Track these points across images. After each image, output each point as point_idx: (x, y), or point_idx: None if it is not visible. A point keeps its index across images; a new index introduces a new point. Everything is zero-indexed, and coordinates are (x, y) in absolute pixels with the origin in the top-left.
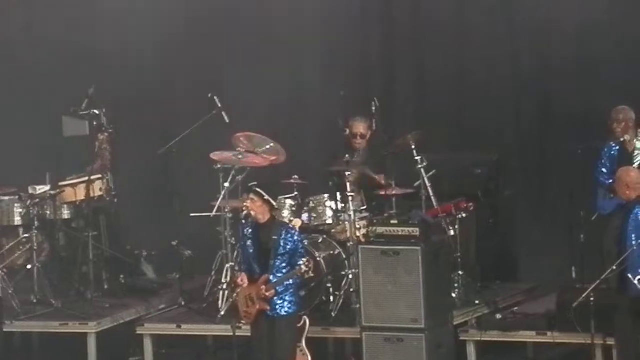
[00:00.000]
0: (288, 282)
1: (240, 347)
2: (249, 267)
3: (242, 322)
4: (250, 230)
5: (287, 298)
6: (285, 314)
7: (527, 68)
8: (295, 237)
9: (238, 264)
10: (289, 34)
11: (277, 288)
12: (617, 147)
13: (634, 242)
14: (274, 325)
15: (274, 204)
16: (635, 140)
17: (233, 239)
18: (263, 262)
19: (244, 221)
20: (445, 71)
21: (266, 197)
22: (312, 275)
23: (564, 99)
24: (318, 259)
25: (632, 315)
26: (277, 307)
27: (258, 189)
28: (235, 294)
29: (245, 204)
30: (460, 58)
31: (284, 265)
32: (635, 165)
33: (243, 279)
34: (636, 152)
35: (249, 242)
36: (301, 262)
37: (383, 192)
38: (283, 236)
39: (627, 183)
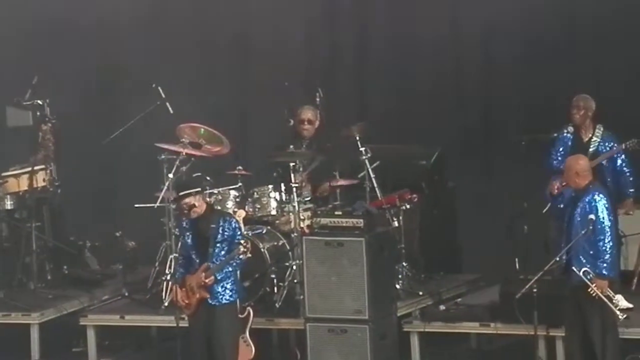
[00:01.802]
0: (228, 270)
1: (184, 338)
2: (188, 259)
3: (183, 315)
4: (188, 223)
5: (227, 286)
6: (226, 302)
7: (470, 61)
8: (234, 225)
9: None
10: (235, 27)
11: (217, 275)
12: (572, 136)
13: (581, 232)
14: (215, 314)
15: (200, 189)
16: (594, 132)
17: (177, 230)
18: (202, 252)
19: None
20: (390, 64)
21: (192, 191)
22: (249, 256)
23: (507, 90)
24: (262, 249)
25: (575, 304)
26: (218, 295)
27: (184, 191)
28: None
29: (187, 211)
30: (404, 51)
31: (222, 253)
32: (592, 151)
33: (178, 292)
34: (593, 140)
35: (187, 234)
36: (240, 244)
37: (327, 183)
38: (221, 224)
39: (577, 171)
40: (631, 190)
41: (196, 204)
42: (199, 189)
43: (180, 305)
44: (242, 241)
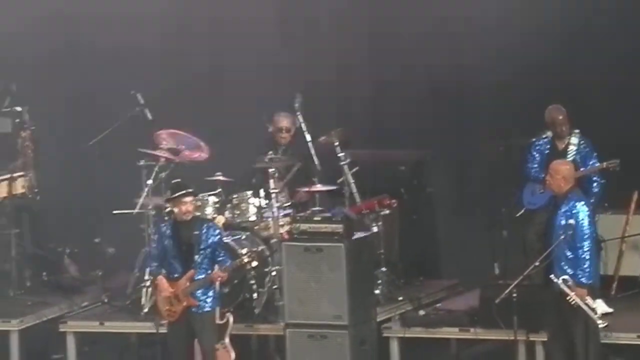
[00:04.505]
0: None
1: (164, 344)
2: (169, 266)
3: (163, 321)
4: (169, 229)
5: (210, 294)
6: (209, 309)
7: (446, 68)
8: (217, 231)
9: (151, 264)
10: (212, 30)
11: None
12: (549, 144)
13: (561, 237)
14: (196, 321)
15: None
16: (570, 137)
17: (155, 235)
18: (184, 259)
19: (166, 219)
20: (366, 70)
21: (192, 191)
22: (255, 264)
23: (485, 95)
24: (239, 251)
25: (558, 310)
26: (201, 302)
27: (191, 190)
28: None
29: (185, 208)
30: (380, 57)
31: (205, 260)
32: (570, 159)
33: (162, 283)
34: (570, 147)
35: (167, 241)
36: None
37: (306, 189)
38: (205, 231)
39: (564, 175)
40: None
41: (190, 207)
42: (195, 192)
43: (162, 312)
44: (245, 250)
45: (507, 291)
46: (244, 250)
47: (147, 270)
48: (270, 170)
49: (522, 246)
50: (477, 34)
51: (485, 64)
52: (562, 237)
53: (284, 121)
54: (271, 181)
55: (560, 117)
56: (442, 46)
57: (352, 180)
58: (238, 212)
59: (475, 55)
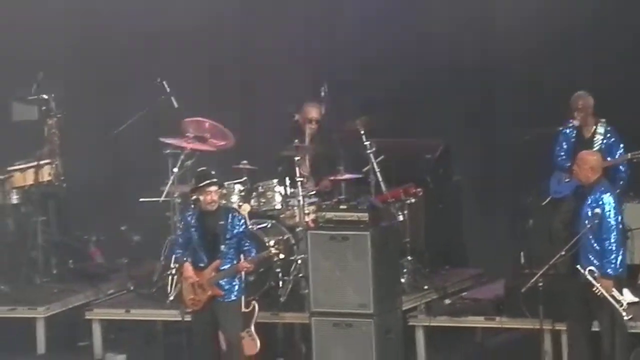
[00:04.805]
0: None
1: (189, 332)
2: (194, 255)
3: (189, 309)
4: (194, 219)
5: (235, 283)
6: (234, 298)
7: (472, 54)
8: (242, 221)
9: (177, 252)
10: (239, 22)
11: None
12: (575, 132)
13: (587, 227)
14: (221, 310)
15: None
16: (597, 126)
17: (181, 223)
18: (210, 249)
19: (192, 207)
20: (394, 57)
21: (217, 180)
22: (282, 257)
23: (512, 84)
24: (267, 243)
25: (582, 301)
26: (227, 292)
27: (216, 179)
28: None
29: (210, 197)
30: (409, 44)
31: (231, 250)
32: (595, 149)
33: (188, 270)
34: (597, 137)
35: (192, 231)
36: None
37: (332, 178)
38: (230, 220)
39: (592, 166)
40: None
41: (215, 196)
42: (220, 181)
43: (187, 301)
44: (272, 243)
45: (532, 280)
46: (272, 242)
47: (173, 258)
48: (296, 158)
49: (548, 235)
50: (503, 22)
51: (512, 52)
52: (589, 226)
53: (313, 111)
54: (297, 169)
55: (580, 104)
56: (468, 35)
57: (377, 169)
58: (264, 200)
59: (502, 44)
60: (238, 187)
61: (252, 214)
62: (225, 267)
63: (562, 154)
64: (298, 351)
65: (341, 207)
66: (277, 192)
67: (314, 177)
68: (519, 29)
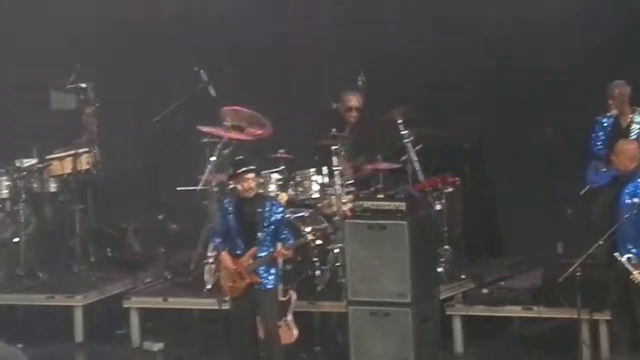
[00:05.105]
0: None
1: (227, 320)
2: (232, 243)
3: (226, 298)
4: (232, 206)
5: (272, 271)
6: (271, 286)
7: (512, 43)
8: (280, 209)
9: (214, 241)
10: (275, 4)
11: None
12: (611, 120)
13: (626, 216)
14: (259, 298)
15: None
16: (633, 115)
17: (219, 210)
18: (247, 237)
19: (227, 197)
20: (431, 47)
21: (254, 168)
22: (319, 243)
23: (548, 75)
24: (304, 229)
25: (622, 289)
26: (264, 280)
27: (253, 167)
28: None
29: (248, 184)
30: (446, 34)
31: (268, 238)
32: (633, 138)
33: (225, 258)
34: (633, 126)
35: (230, 219)
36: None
37: (370, 167)
38: (268, 208)
39: (630, 155)
40: None
41: (252, 183)
42: (257, 168)
43: (225, 289)
44: (309, 229)
45: (570, 270)
46: (308, 229)
47: (210, 246)
48: (334, 147)
49: (585, 224)
50: (540, 16)
51: (549, 43)
52: (627, 216)
53: (353, 100)
54: (334, 158)
55: (616, 92)
56: (505, 28)
57: (415, 158)
58: (301, 189)
59: (540, 36)
60: (275, 176)
61: (290, 203)
62: (262, 254)
63: (599, 143)
64: (335, 340)
65: (379, 196)
66: (315, 181)
67: (352, 166)
68: (556, 19)
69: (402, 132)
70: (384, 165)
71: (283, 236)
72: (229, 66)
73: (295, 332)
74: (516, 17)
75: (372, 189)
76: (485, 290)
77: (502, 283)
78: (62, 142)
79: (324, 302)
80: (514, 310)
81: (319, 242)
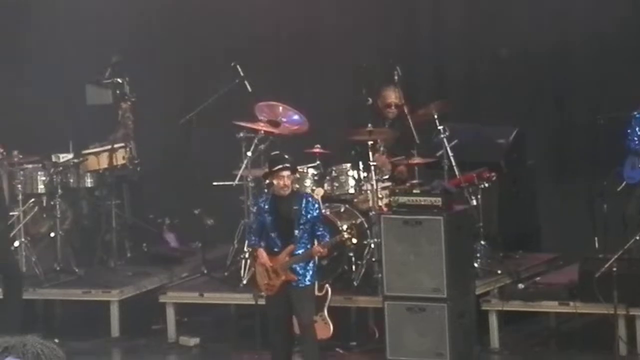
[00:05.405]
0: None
1: (263, 316)
2: (268, 240)
3: (262, 294)
4: (267, 204)
5: (309, 268)
6: (308, 283)
7: (547, 38)
8: (316, 206)
9: (250, 237)
10: (310, 7)
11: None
12: None
13: None
14: (295, 295)
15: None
16: None
17: (255, 208)
18: (284, 234)
19: (265, 192)
20: (467, 42)
21: (290, 165)
22: (355, 242)
23: (586, 68)
24: (340, 228)
25: None
26: (301, 277)
27: (289, 164)
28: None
29: (284, 182)
30: (482, 29)
31: (305, 235)
32: None
33: (262, 255)
34: None
35: (266, 216)
36: (342, 231)
37: (406, 162)
38: (304, 205)
39: None
40: None
41: (288, 181)
42: (293, 165)
43: (261, 286)
44: (345, 229)
45: (607, 265)
46: (345, 227)
47: (246, 242)
48: (370, 142)
49: (622, 220)
50: (576, 9)
51: (585, 36)
52: None
53: (392, 96)
54: (370, 153)
55: None
56: (542, 20)
57: (451, 153)
58: (337, 184)
59: (576, 28)
60: (311, 171)
61: (325, 198)
62: (299, 251)
63: (636, 138)
64: (371, 335)
65: (415, 191)
66: (351, 177)
67: (390, 162)
68: (593, 13)
69: (438, 127)
70: (419, 160)
71: (319, 233)
72: (265, 61)
73: (331, 327)
74: (553, 9)
75: (408, 184)
76: (521, 286)
77: (538, 278)
78: (98, 137)
79: (359, 297)
80: (550, 306)
81: (354, 240)
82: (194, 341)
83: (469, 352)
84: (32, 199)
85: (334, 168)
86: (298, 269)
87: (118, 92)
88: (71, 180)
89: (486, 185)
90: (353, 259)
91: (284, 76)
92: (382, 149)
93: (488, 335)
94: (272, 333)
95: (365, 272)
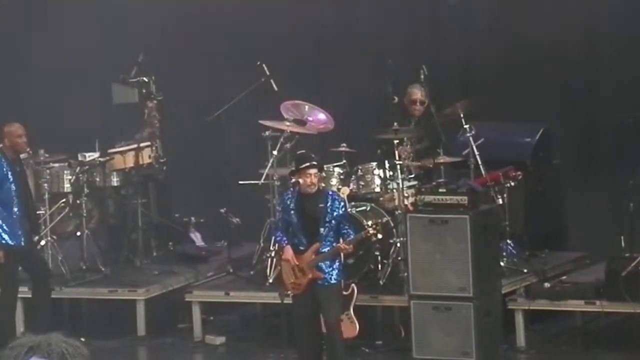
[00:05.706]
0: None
1: (289, 315)
2: (294, 238)
3: (288, 292)
4: (293, 202)
5: (335, 266)
6: (335, 282)
7: (575, 37)
8: (342, 204)
9: (276, 235)
10: (337, 4)
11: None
12: None
13: None
14: (321, 293)
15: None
16: None
17: (279, 206)
18: (309, 232)
19: (291, 190)
20: (494, 40)
21: (317, 163)
22: (380, 237)
23: (614, 67)
24: (365, 224)
25: None
26: (327, 275)
27: (316, 162)
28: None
29: (310, 180)
30: (508, 28)
31: (331, 233)
32: None
33: (288, 253)
34: None
35: (292, 214)
36: (367, 227)
37: (432, 161)
38: (330, 203)
39: None
40: None
41: (314, 179)
42: (320, 164)
43: (287, 285)
44: (369, 225)
45: (633, 264)
46: (369, 223)
47: (272, 240)
48: (396, 141)
49: None
50: (604, 8)
51: (612, 35)
52: None
53: (418, 94)
54: (396, 152)
55: None
56: (570, 19)
57: (477, 152)
58: (363, 183)
59: (603, 27)
60: (337, 170)
61: (351, 197)
62: (325, 249)
63: None
64: (397, 334)
65: (440, 190)
66: (376, 175)
67: (415, 160)
68: (621, 11)
69: (464, 126)
70: (446, 159)
71: (344, 231)
72: (291, 60)
73: (357, 326)
74: (581, 8)
75: (434, 183)
76: (547, 285)
77: (564, 277)
78: (124, 136)
79: (385, 296)
80: (576, 305)
81: (379, 236)
82: (220, 340)
83: (495, 351)
84: (63, 199)
85: (359, 167)
86: (324, 267)
87: (144, 91)
88: (97, 179)
89: (512, 184)
90: (379, 258)
91: (309, 75)
92: (408, 147)
93: (514, 334)
94: (298, 332)
95: (391, 271)
